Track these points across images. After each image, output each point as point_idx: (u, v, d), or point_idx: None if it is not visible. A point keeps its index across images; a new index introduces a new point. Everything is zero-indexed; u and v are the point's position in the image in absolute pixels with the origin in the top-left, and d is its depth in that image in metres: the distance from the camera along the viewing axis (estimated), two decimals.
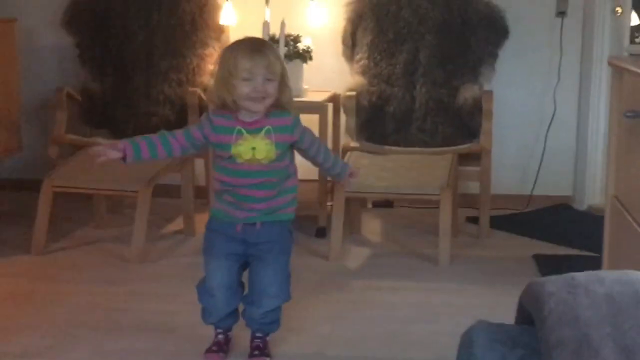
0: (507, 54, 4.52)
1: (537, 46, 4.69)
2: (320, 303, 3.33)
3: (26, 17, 4.68)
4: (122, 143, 2.62)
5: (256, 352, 2.79)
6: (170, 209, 4.49)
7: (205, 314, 2.82)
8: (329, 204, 4.14)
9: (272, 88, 2.57)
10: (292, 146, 2.70)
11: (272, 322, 2.79)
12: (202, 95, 4.40)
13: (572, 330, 1.15)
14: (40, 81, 4.78)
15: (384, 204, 4.74)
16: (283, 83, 2.61)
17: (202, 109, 4.32)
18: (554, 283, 1.27)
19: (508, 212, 4.63)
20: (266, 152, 2.59)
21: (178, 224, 4.31)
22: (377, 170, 4.02)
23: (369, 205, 4.74)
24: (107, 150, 2.61)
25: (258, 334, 2.81)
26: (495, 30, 4.42)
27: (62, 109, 4.36)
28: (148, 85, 4.53)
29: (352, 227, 4.22)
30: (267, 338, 2.83)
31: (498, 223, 4.37)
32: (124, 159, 2.62)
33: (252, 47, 2.60)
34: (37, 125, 4.79)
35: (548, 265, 3.72)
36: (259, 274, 2.72)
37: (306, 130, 2.72)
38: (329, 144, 4.32)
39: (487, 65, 4.42)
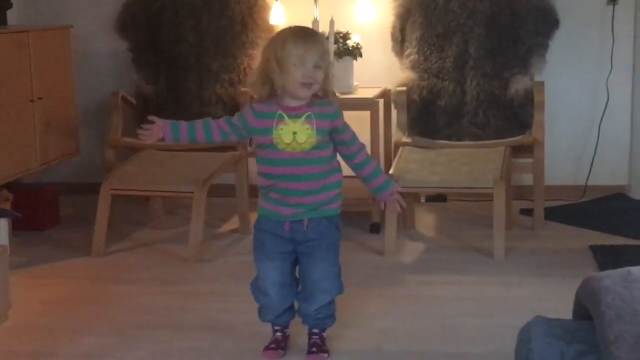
0: (558, 44, 4.48)
1: (589, 35, 4.65)
2: (375, 298, 3.35)
3: (81, 24, 4.77)
4: (162, 123, 2.71)
5: (314, 349, 2.82)
6: (225, 208, 4.55)
7: (262, 312, 2.86)
8: None
9: (320, 75, 2.59)
10: (333, 138, 2.70)
11: (326, 317, 2.82)
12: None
13: (631, 324, 1.15)
14: (95, 86, 4.87)
15: (438, 198, 4.74)
16: (329, 73, 2.64)
17: None
18: (610, 278, 1.28)
19: (563, 203, 4.60)
20: (307, 136, 2.61)
21: (234, 223, 4.37)
22: (430, 164, 4.03)
23: (423, 200, 4.74)
24: (154, 132, 2.70)
25: (314, 330, 2.85)
26: (545, 21, 4.39)
27: (118, 113, 4.45)
28: (200, 86, 4.60)
29: (405, 222, 4.23)
30: (324, 334, 2.86)
31: (553, 214, 4.35)
32: (163, 139, 2.71)
33: (303, 33, 2.64)
34: (94, 129, 4.89)
35: (605, 256, 3.69)
36: (309, 271, 2.74)
37: (349, 127, 2.74)
38: (381, 140, 4.34)
39: (537, 56, 4.39)
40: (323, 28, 4.29)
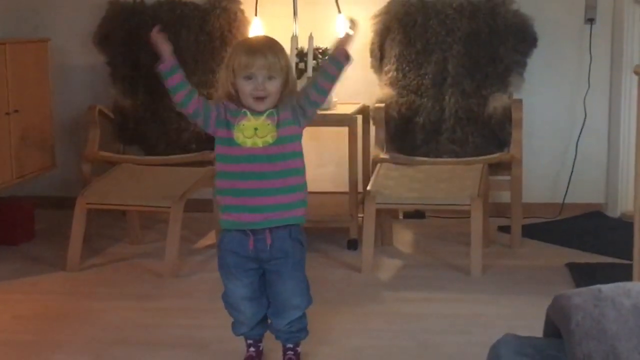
0: (536, 62, 4.50)
1: (567, 54, 4.67)
2: (352, 315, 3.33)
3: (58, 37, 4.76)
4: (170, 55, 2.65)
5: None
6: (202, 223, 4.52)
7: (235, 326, 2.83)
8: (360, 215, 4.15)
9: (273, 86, 2.58)
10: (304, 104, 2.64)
11: (299, 330, 2.80)
12: None
13: (599, 343, 1.15)
14: (72, 99, 4.85)
15: (416, 214, 4.74)
16: (287, 79, 2.61)
17: None
18: (580, 296, 1.27)
19: (540, 220, 4.61)
20: (268, 131, 2.59)
21: (210, 238, 4.35)
22: (408, 181, 4.03)
23: (400, 217, 4.74)
24: (162, 44, 2.66)
25: (289, 345, 2.82)
26: (523, 39, 4.41)
27: (95, 127, 4.42)
28: None
29: (383, 239, 4.22)
30: (299, 349, 2.84)
31: (530, 232, 4.35)
32: (162, 62, 2.65)
33: (253, 46, 2.63)
34: (71, 143, 4.85)
35: (582, 274, 3.70)
36: (278, 288, 2.71)
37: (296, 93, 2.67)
38: (359, 156, 4.33)
39: (516, 74, 4.40)
40: (302, 44, 4.29)
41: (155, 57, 4.71)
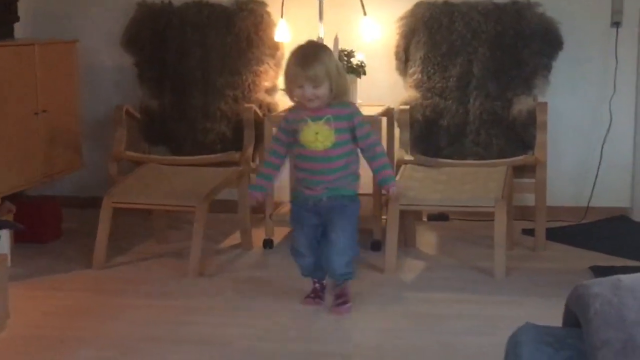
0: (562, 65, 4.50)
1: (592, 57, 4.66)
2: (375, 315, 3.35)
3: (87, 38, 4.81)
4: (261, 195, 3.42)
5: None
6: (227, 224, 4.55)
7: (302, 269, 3.45)
8: (383, 217, 4.15)
9: (320, 91, 3.17)
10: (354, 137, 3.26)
11: (348, 273, 3.40)
12: (258, 111, 4.46)
13: (618, 331, 1.16)
14: (100, 100, 4.90)
15: (439, 217, 4.74)
16: (335, 81, 3.16)
17: (257, 124, 4.39)
18: (599, 285, 1.28)
19: (564, 224, 4.60)
20: (326, 136, 3.18)
21: (235, 238, 4.37)
22: (432, 183, 4.03)
23: (424, 218, 4.74)
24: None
25: (339, 282, 3.41)
26: (549, 42, 4.40)
27: (122, 127, 4.46)
28: (205, 102, 4.61)
29: (407, 240, 4.23)
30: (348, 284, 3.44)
31: (554, 235, 4.34)
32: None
33: (302, 58, 3.20)
34: (98, 143, 4.90)
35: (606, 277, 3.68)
36: (329, 234, 3.29)
37: (366, 124, 3.31)
38: None
39: (541, 77, 4.40)
40: (328, 46, 4.31)
41: (182, 58, 4.78)
